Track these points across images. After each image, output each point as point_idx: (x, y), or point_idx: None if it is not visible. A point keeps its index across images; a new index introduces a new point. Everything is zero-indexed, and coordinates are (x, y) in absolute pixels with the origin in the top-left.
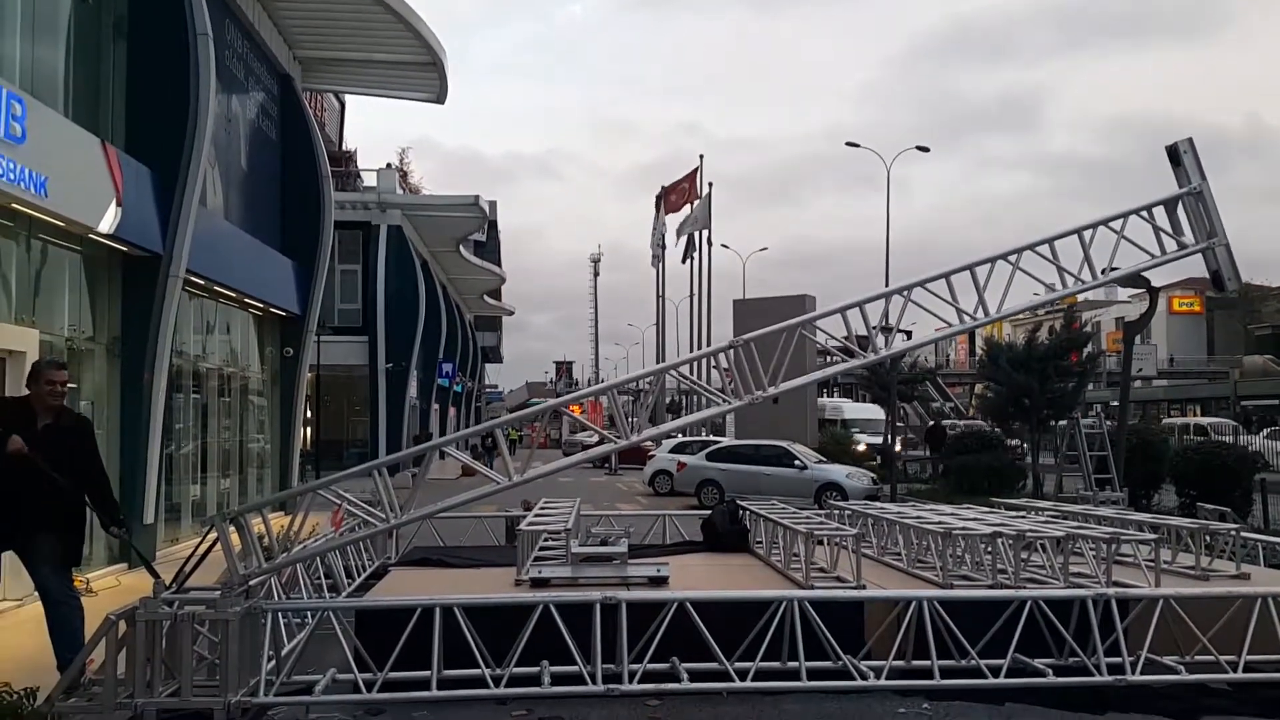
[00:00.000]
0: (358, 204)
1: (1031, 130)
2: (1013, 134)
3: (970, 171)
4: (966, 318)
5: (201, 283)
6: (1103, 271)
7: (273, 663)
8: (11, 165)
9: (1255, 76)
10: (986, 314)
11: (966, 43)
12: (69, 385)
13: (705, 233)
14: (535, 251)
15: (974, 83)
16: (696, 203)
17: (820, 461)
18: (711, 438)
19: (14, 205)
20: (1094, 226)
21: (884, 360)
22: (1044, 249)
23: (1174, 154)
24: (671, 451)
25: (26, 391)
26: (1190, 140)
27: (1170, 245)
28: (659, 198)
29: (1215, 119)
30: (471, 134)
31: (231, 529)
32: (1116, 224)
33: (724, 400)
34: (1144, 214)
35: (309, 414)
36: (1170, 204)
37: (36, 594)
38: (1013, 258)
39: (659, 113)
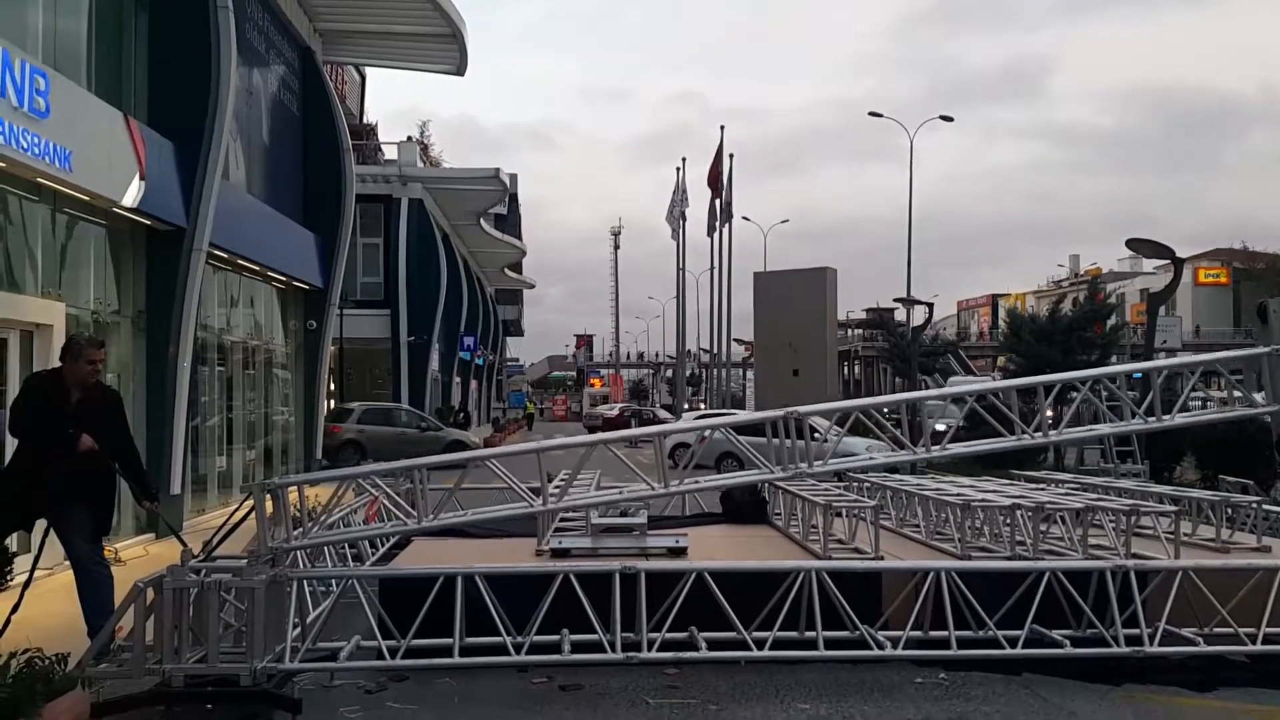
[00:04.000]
0: (379, 177)
1: (1038, 99)
2: (1019, 103)
3: (978, 141)
4: (1027, 437)
5: (225, 256)
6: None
7: (298, 630)
8: (36, 139)
9: (1269, 41)
10: (1045, 435)
11: (968, 8)
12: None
13: (726, 205)
14: (541, 224)
15: (977, 50)
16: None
17: (839, 434)
18: (731, 410)
19: (39, 179)
20: (1166, 369)
21: (929, 459)
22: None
23: (1263, 312)
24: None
25: (58, 364)
26: None
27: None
28: (679, 170)
29: (1229, 86)
30: (470, 105)
31: (268, 500)
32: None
33: (767, 468)
34: (1221, 365)
35: (332, 387)
36: (1251, 362)
37: (67, 562)
38: (1085, 385)
39: (655, 83)
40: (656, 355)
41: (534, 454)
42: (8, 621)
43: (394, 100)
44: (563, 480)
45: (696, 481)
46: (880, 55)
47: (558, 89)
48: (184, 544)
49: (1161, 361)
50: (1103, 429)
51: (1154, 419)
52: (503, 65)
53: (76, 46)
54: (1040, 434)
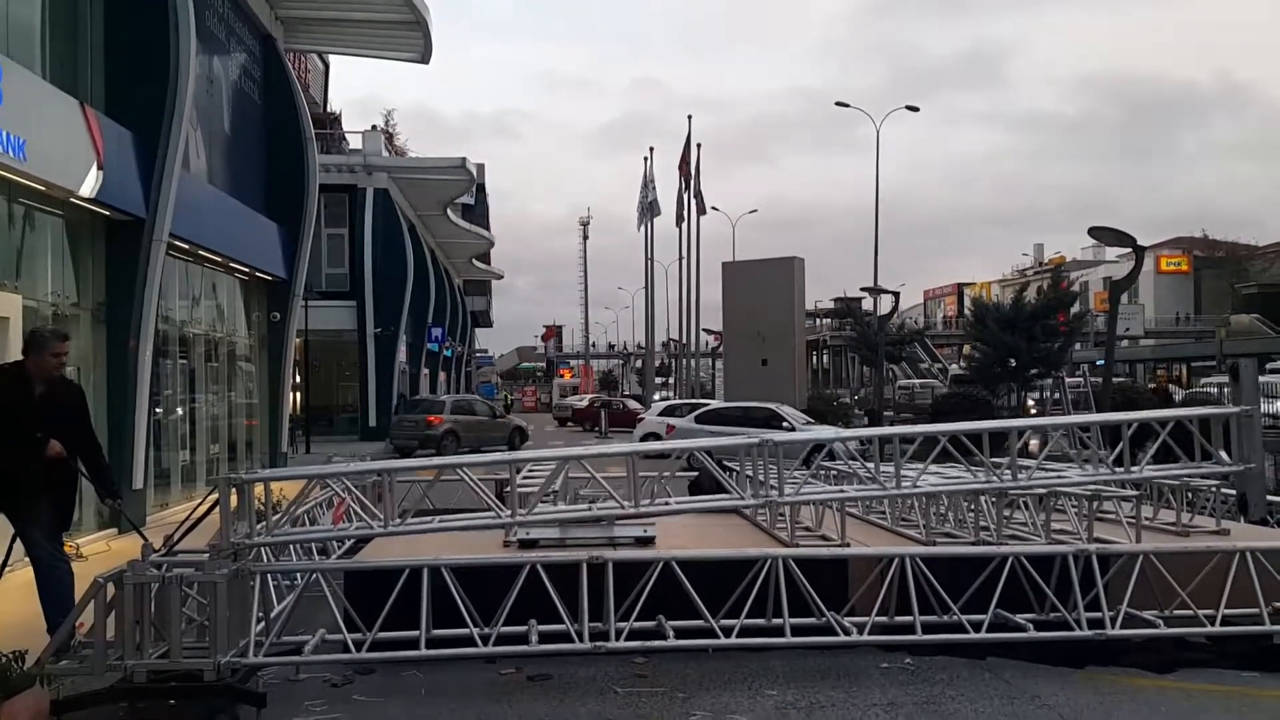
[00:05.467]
0: (343, 167)
1: (1000, 87)
2: (981, 90)
3: (941, 129)
4: (994, 478)
5: (186, 247)
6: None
7: (262, 624)
8: None
9: (1225, 30)
10: (1015, 478)
11: None
12: None
13: (694, 195)
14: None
15: (938, 37)
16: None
17: (808, 423)
18: (701, 400)
19: None
20: (1135, 422)
21: (899, 495)
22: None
23: (1235, 372)
24: (661, 414)
25: (20, 358)
26: (1255, 361)
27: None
28: (646, 160)
29: (1185, 75)
30: (427, 93)
31: (232, 494)
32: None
33: (739, 495)
34: (1189, 421)
35: (298, 379)
36: (1220, 419)
37: (26, 559)
38: (1055, 432)
39: (616, 70)
40: (625, 346)
41: (508, 463)
42: None
43: (353, 89)
44: (533, 482)
45: (667, 503)
46: (841, 43)
47: (518, 77)
48: (145, 539)
49: (1131, 414)
50: (1073, 476)
51: (1121, 469)
52: (462, 53)
53: (31, 34)
54: (1009, 475)
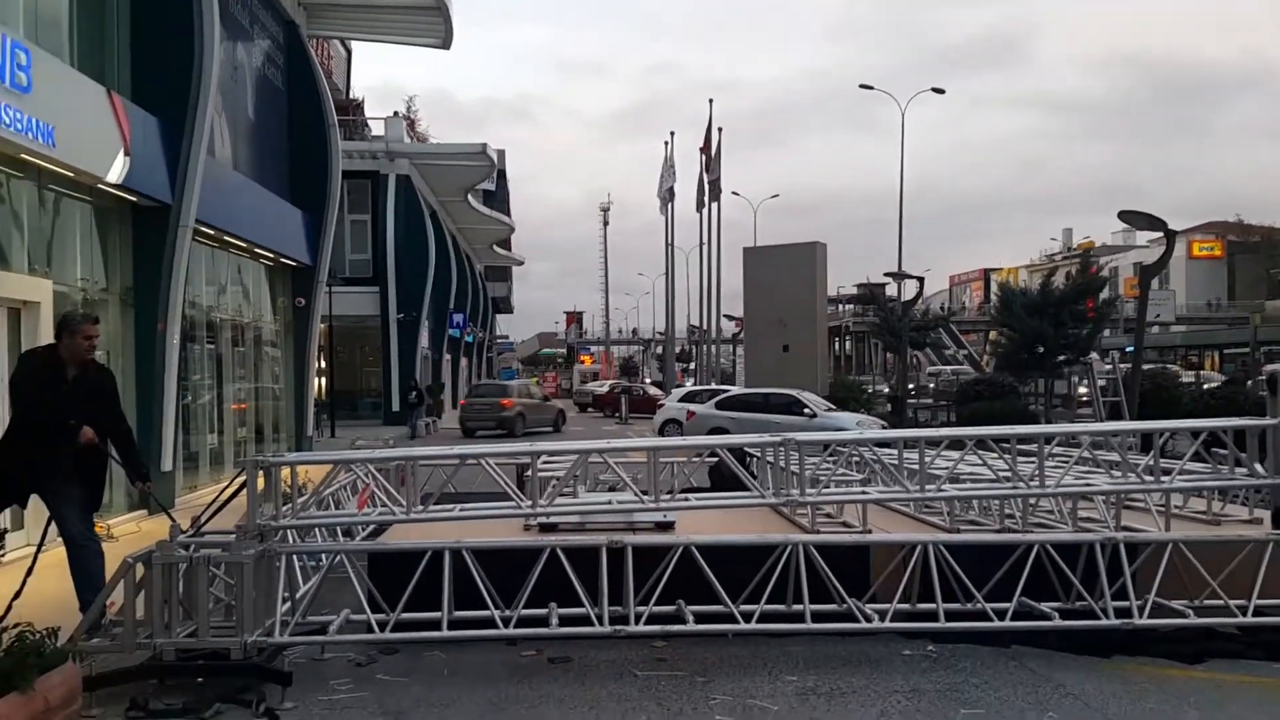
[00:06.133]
0: (365, 153)
1: (1024, 67)
2: (1004, 71)
3: (960, 112)
4: (1020, 484)
5: (211, 233)
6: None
7: (288, 604)
8: (19, 115)
9: (1255, 9)
10: (1042, 485)
11: None
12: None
13: (715, 179)
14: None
15: (958, 17)
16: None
17: (830, 409)
18: (721, 386)
19: (23, 155)
20: (1171, 432)
21: (925, 499)
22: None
23: (1273, 384)
24: (681, 400)
25: (53, 341)
26: None
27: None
28: (667, 144)
29: (1214, 54)
30: (442, 79)
31: (260, 476)
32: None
33: (759, 492)
34: (1223, 431)
35: (322, 364)
36: (1256, 431)
37: (59, 538)
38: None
39: (631, 54)
40: (646, 331)
41: (528, 454)
42: (9, 608)
43: (369, 75)
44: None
45: (687, 499)
46: (860, 23)
47: (533, 62)
48: (173, 520)
49: (1164, 424)
50: (1101, 485)
51: (1151, 478)
52: (476, 38)
53: (58, 21)
54: (1037, 484)
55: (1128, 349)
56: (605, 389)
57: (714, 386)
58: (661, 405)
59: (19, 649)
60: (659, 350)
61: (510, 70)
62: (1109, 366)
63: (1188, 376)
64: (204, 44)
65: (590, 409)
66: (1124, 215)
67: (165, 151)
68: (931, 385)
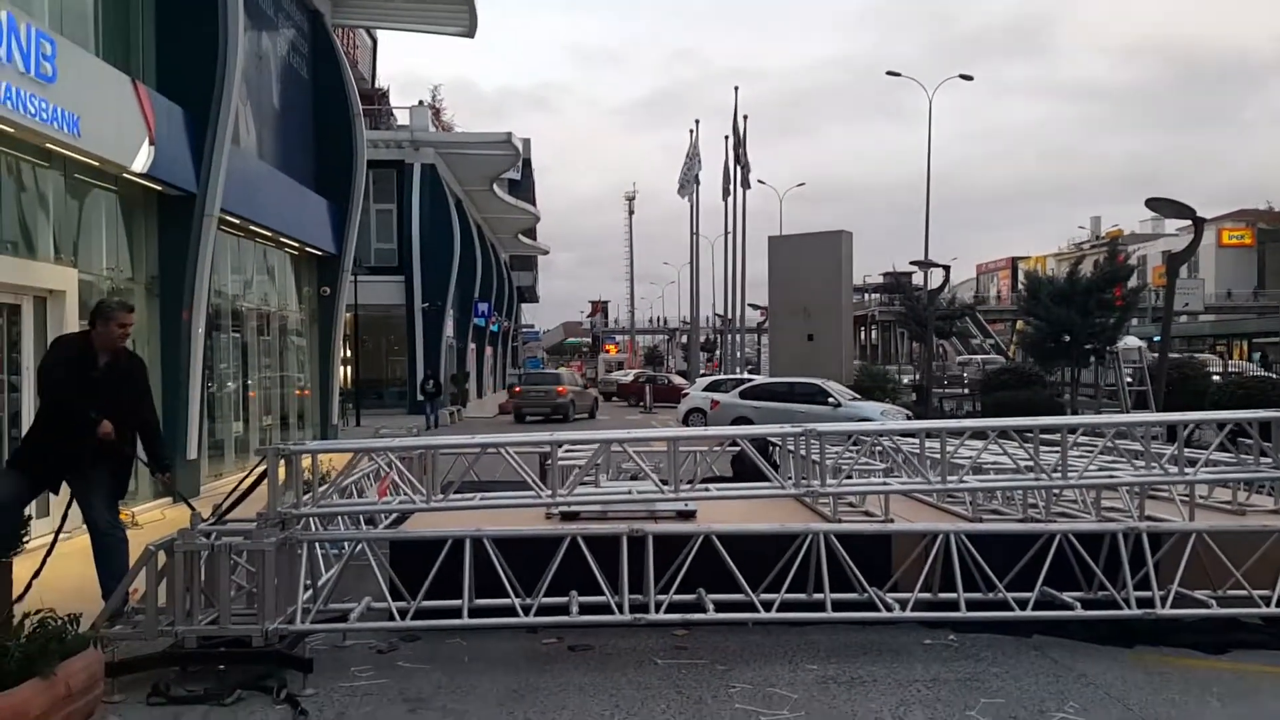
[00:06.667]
0: (391, 143)
1: (1049, 54)
2: (1030, 58)
3: (986, 99)
4: (1043, 476)
5: (237, 222)
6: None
7: (309, 592)
8: (44, 104)
9: None
10: (1065, 477)
11: None
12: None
13: (740, 168)
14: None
15: (982, 5)
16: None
17: (854, 398)
18: (746, 375)
19: (48, 145)
20: (1195, 424)
21: (946, 490)
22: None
23: None
24: (705, 389)
25: (85, 327)
26: None
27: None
28: (692, 132)
29: (1243, 40)
30: (464, 68)
31: (281, 464)
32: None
33: (779, 483)
34: (1249, 424)
35: (348, 353)
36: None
37: (83, 526)
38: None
39: (653, 42)
40: (664, 321)
41: (549, 444)
42: (28, 586)
43: (390, 64)
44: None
45: (707, 490)
46: (882, 9)
47: (554, 50)
48: (194, 510)
49: (1188, 415)
50: (1126, 478)
51: (1175, 469)
52: (497, 27)
53: (83, 11)
54: (1060, 475)
55: (1154, 338)
56: (630, 378)
57: (739, 375)
58: (686, 394)
59: (41, 635)
60: (684, 339)
61: (531, 58)
62: (1138, 357)
63: (1215, 366)
64: (228, 33)
65: (615, 398)
66: (1151, 203)
67: (190, 141)
68: (964, 375)
